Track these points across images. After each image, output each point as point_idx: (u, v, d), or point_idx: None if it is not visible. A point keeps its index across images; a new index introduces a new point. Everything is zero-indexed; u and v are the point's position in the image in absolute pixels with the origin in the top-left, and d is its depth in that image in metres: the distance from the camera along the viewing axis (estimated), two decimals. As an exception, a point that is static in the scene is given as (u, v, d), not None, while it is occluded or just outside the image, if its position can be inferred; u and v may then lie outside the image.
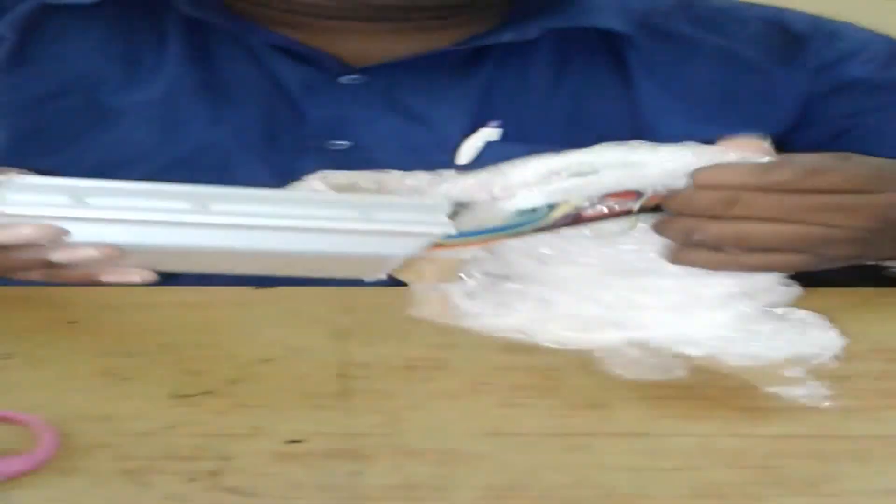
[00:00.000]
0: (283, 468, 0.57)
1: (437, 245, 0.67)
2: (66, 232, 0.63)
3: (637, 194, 0.67)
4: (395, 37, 0.90)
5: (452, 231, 0.67)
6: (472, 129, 0.90)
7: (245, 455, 0.58)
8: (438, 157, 0.88)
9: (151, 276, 0.68)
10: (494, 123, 0.89)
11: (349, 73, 0.89)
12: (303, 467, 0.57)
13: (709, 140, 0.88)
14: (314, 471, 0.56)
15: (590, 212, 0.68)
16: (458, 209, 0.69)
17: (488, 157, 0.88)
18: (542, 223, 0.68)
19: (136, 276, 0.67)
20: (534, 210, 0.68)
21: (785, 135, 0.92)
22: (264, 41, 0.90)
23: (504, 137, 0.89)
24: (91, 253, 0.65)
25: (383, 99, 0.90)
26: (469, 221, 0.69)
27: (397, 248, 0.67)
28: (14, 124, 0.90)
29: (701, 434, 0.60)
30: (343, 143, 0.89)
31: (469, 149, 0.88)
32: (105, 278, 0.68)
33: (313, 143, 0.89)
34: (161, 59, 0.90)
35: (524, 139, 0.89)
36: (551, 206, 0.68)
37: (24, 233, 0.63)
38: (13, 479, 0.55)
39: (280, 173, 0.89)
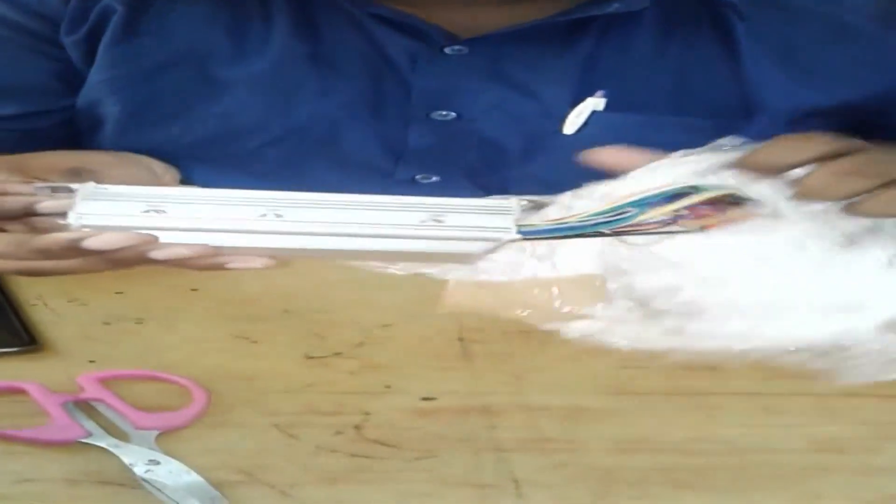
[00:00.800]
0: (422, 422, 0.63)
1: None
2: (156, 238, 0.67)
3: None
4: (500, 7, 0.93)
5: (517, 236, 0.68)
6: (576, 99, 0.93)
7: (383, 411, 0.64)
8: (543, 127, 0.94)
9: (271, 262, 0.72)
10: (600, 93, 0.93)
11: (454, 45, 0.93)
12: (440, 422, 0.63)
13: (814, 108, 0.93)
14: (451, 425, 0.63)
15: (683, 219, 0.71)
16: (534, 206, 0.74)
17: (594, 127, 0.94)
18: (623, 226, 0.71)
19: (259, 262, 0.72)
20: (618, 211, 0.71)
21: (890, 101, 0.95)
22: (370, 12, 0.93)
23: (609, 107, 0.93)
24: (184, 252, 0.69)
25: (488, 70, 0.93)
26: (543, 219, 0.72)
27: (468, 248, 0.71)
28: (127, 97, 0.95)
29: (816, 393, 0.66)
30: (448, 114, 0.94)
31: (575, 118, 0.92)
32: (229, 265, 0.72)
33: (418, 114, 0.93)
34: (268, 31, 0.94)
35: (629, 108, 0.93)
36: (642, 209, 0.71)
37: (114, 240, 0.67)
38: (170, 432, 0.62)
39: (386, 143, 0.95)
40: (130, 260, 0.67)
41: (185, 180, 0.94)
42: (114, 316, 0.76)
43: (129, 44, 0.94)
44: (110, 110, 0.95)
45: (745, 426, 0.63)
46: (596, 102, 0.93)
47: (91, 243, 0.64)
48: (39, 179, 0.72)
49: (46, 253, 0.67)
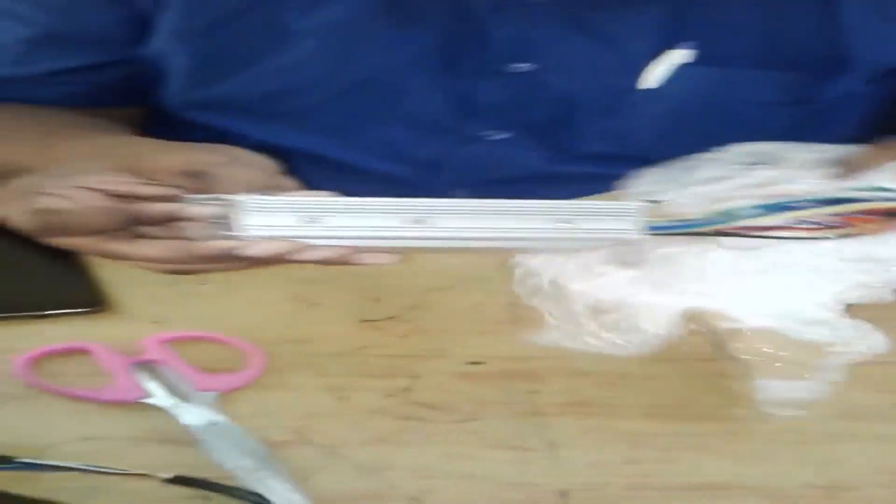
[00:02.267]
0: (468, 386, 0.71)
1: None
2: (308, 245, 0.76)
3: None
4: None
5: (641, 236, 0.77)
6: (660, 52, 0.95)
7: (432, 374, 0.72)
8: (624, 81, 0.96)
9: (398, 258, 0.81)
10: (685, 45, 0.94)
11: None
12: (484, 386, 0.71)
13: None
14: (495, 389, 0.71)
15: (805, 226, 0.78)
16: (657, 204, 0.81)
17: (677, 82, 0.95)
18: (746, 223, 0.78)
19: (387, 258, 0.80)
20: (740, 210, 0.79)
21: None
22: None
23: (696, 60, 0.94)
24: (328, 254, 0.77)
25: (570, 17, 0.93)
26: (669, 215, 0.80)
27: (596, 247, 0.79)
28: (197, 47, 0.97)
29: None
30: (525, 66, 0.95)
31: (657, 72, 0.94)
32: (358, 260, 0.80)
33: (494, 67, 0.95)
34: None
35: (715, 62, 0.95)
36: (769, 209, 0.78)
37: (272, 248, 0.76)
38: (228, 394, 0.70)
39: (454, 98, 0.97)
40: (276, 261, 0.77)
41: (243, 137, 0.97)
42: (178, 277, 0.85)
43: None
44: (179, 61, 0.98)
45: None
46: (680, 55, 0.94)
47: (251, 251, 0.75)
48: (157, 181, 0.81)
49: (206, 259, 0.77)
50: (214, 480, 0.60)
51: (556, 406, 0.68)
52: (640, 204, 0.79)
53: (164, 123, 1.03)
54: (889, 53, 0.97)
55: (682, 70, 0.95)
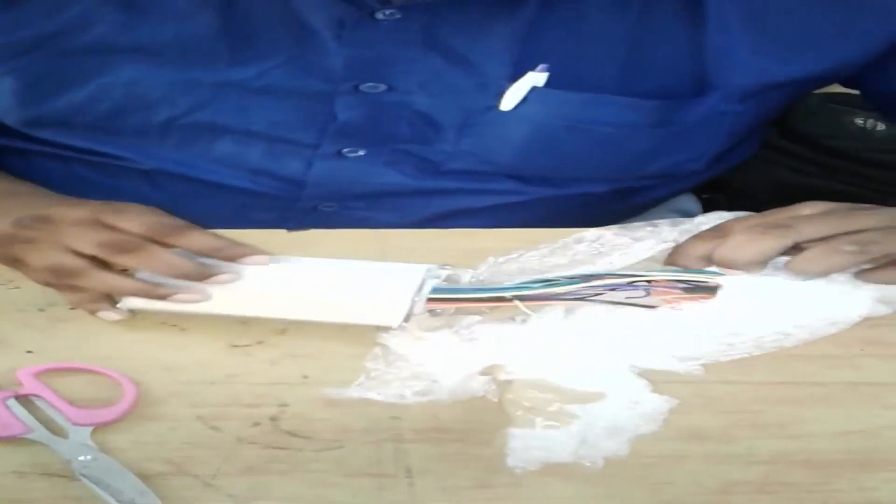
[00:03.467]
0: (332, 413, 0.80)
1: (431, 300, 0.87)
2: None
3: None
4: None
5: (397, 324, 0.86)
6: (517, 73, 0.99)
7: (299, 402, 0.81)
8: (480, 102, 1.01)
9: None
10: (541, 67, 0.98)
11: (386, 8, 0.95)
12: (348, 413, 0.80)
13: (774, 82, 1.03)
14: (358, 416, 0.80)
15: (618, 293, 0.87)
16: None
17: (533, 104, 1.00)
18: (557, 290, 0.87)
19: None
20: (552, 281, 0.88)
21: (862, 71, 1.05)
22: None
23: (551, 82, 0.98)
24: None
25: (422, 37, 0.97)
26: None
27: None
28: (19, 66, 1.00)
29: (696, 381, 0.84)
30: (378, 86, 0.99)
31: (513, 94, 0.99)
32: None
33: (346, 87, 0.99)
34: None
35: (573, 85, 0.99)
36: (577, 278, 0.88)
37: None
38: (105, 425, 0.79)
39: (309, 116, 1.01)
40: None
41: (103, 153, 1.05)
42: (48, 301, 0.93)
43: (9, 12, 0.99)
44: (4, 81, 1.01)
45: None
46: (537, 77, 0.98)
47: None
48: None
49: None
50: (95, 517, 0.69)
51: (414, 432, 0.78)
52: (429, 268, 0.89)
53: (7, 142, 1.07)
54: (755, 74, 1.03)
55: (539, 93, 1.00)
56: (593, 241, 0.95)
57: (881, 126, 1.38)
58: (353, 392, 0.81)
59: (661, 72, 1.01)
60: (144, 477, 0.73)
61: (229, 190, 1.06)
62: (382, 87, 1.00)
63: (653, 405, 0.79)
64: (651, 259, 0.94)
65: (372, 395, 0.81)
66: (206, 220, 0.92)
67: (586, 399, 0.79)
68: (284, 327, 0.89)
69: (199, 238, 0.90)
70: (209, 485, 0.73)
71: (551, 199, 1.08)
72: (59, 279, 0.89)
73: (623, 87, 1.01)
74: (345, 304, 0.89)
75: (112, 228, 0.89)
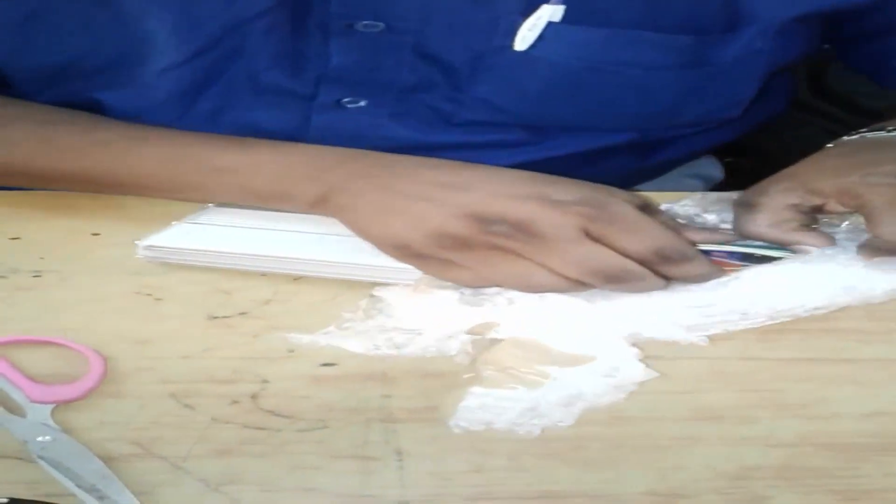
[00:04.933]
0: (318, 391, 0.79)
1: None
2: None
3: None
4: None
5: None
6: (532, 6, 0.97)
7: (282, 379, 0.80)
8: (491, 41, 0.99)
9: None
10: (556, 1, 0.96)
11: None
12: (335, 390, 0.79)
13: (805, 14, 1.03)
14: (346, 394, 0.78)
15: None
16: None
17: (550, 43, 0.98)
18: None
19: None
20: None
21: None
22: None
23: (568, 17, 0.96)
24: None
25: None
26: None
27: None
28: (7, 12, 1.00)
29: (713, 357, 0.83)
30: (375, 25, 0.98)
31: (528, 31, 0.97)
32: None
33: (339, 25, 0.98)
34: None
35: (592, 20, 0.98)
36: None
37: None
38: (67, 403, 0.78)
39: (305, 60, 1.01)
40: None
41: (97, 103, 1.05)
42: (10, 268, 0.92)
43: None
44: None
45: (638, 393, 0.79)
46: (552, 11, 0.96)
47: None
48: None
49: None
50: (50, 502, 0.68)
51: (406, 412, 0.77)
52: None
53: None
54: (786, 5, 1.02)
55: (556, 29, 0.97)
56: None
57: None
58: (320, 339, 0.81)
59: (691, 3, 0.99)
60: (109, 459, 0.71)
61: None
62: (380, 25, 0.99)
63: (629, 375, 0.78)
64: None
65: (339, 342, 0.81)
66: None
67: (571, 362, 0.78)
68: (270, 296, 0.88)
69: (700, 268, 0.88)
70: (179, 467, 0.71)
71: (569, 157, 1.06)
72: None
73: (649, 22, 0.99)
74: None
75: (606, 244, 0.85)
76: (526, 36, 0.97)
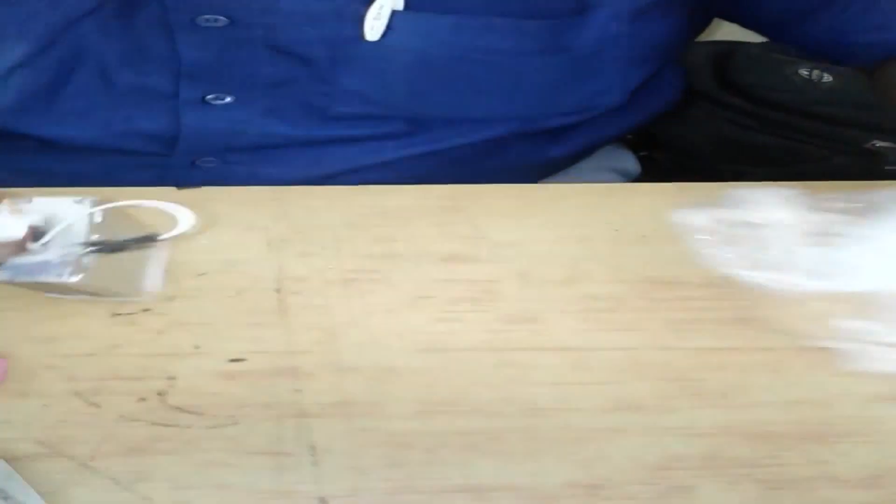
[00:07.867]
0: (227, 387, 0.78)
1: None
2: None
3: None
4: None
5: None
6: None
7: (189, 375, 0.79)
8: (342, 32, 0.96)
9: None
10: None
11: None
12: (245, 386, 0.78)
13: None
14: (256, 390, 0.78)
15: None
16: None
17: (401, 32, 0.96)
18: None
19: None
20: None
21: None
22: None
23: (414, 5, 0.94)
24: None
25: None
26: None
27: None
28: None
29: (628, 347, 0.82)
30: (216, 20, 0.95)
31: (374, 21, 0.94)
32: None
33: (181, 20, 0.95)
34: None
35: (439, 7, 0.95)
36: None
37: None
38: (-32, 402, 0.76)
39: (158, 59, 0.97)
40: None
41: None
42: None
43: None
44: None
45: (553, 384, 0.79)
46: (391, 1, 0.94)
47: None
48: None
49: None
50: (-46, 504, 0.66)
51: (319, 406, 0.76)
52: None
53: None
54: None
55: (402, 17, 0.96)
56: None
57: (827, 77, 1.37)
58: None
59: None
60: (12, 459, 0.70)
61: (95, 151, 1.03)
62: (222, 20, 0.96)
63: None
64: None
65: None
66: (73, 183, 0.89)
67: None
68: (174, 292, 0.86)
69: None
70: (87, 466, 0.70)
71: (458, 149, 1.05)
72: None
73: (496, 7, 0.97)
74: None
75: None
76: (374, 26, 0.95)
